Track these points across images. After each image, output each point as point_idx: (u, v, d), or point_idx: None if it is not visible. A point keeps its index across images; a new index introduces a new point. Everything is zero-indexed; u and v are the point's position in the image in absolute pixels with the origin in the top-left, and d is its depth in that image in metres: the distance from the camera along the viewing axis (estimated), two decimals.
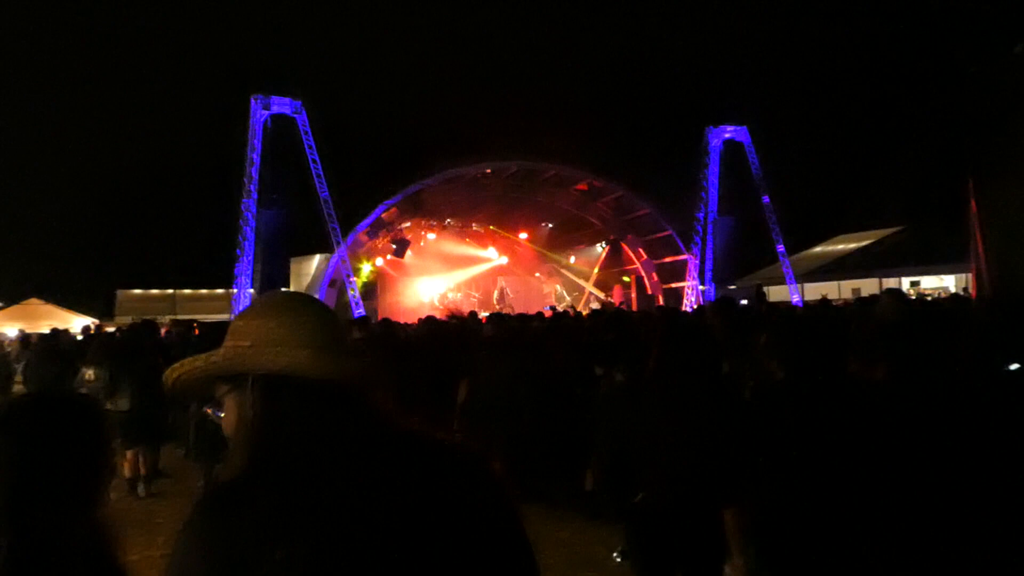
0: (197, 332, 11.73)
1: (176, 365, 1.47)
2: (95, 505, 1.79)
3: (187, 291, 37.52)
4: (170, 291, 37.35)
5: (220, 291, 33.47)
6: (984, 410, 2.92)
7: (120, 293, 35.78)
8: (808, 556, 2.85)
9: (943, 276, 31.83)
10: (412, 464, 1.35)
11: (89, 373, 9.29)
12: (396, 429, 1.41)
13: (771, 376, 3.31)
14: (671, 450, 3.26)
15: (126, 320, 21.51)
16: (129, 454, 8.72)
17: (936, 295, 24.33)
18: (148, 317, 12.27)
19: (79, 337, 15.47)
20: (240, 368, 1.40)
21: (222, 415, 1.48)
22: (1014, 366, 3.15)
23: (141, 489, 8.72)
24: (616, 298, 33.88)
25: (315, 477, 1.27)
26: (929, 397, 2.98)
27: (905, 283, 32.33)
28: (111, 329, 18.04)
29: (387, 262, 33.12)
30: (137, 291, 36.81)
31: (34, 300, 32.63)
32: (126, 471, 8.72)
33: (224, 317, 27.06)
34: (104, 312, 31.89)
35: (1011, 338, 3.29)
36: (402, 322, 17.91)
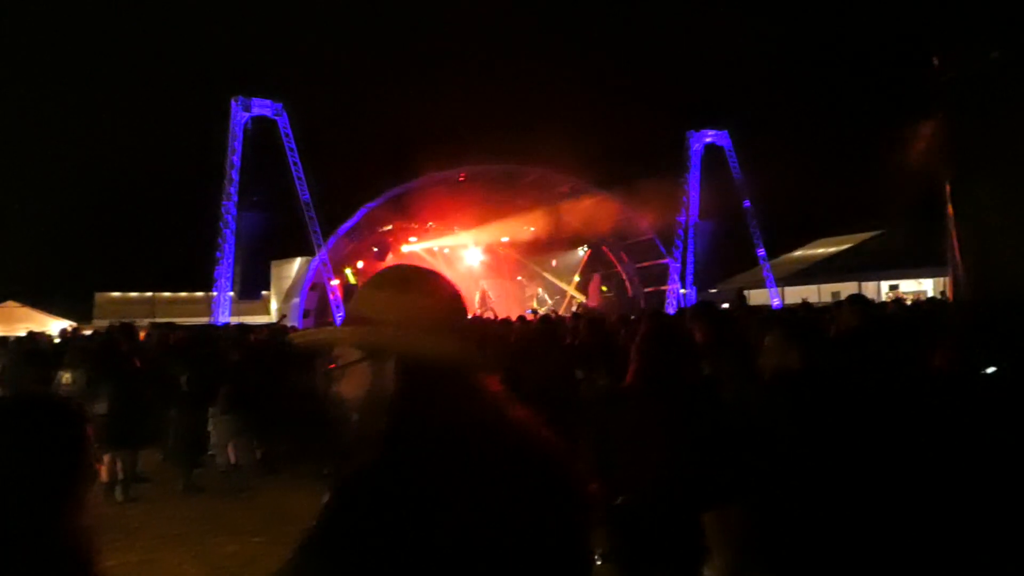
0: (172, 340, 11.61)
1: (316, 333, 1.58)
2: (76, 510, 1.74)
3: (166, 294, 37.25)
4: (149, 294, 37.06)
5: (200, 294, 33.28)
6: (960, 412, 2.94)
7: (98, 296, 35.45)
8: (793, 556, 2.86)
9: (921, 280, 32.14)
10: (525, 457, 1.43)
11: (67, 376, 9.22)
12: (514, 418, 1.49)
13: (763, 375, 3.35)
14: (652, 453, 3.27)
15: (104, 323, 21.30)
16: (106, 458, 8.64)
17: (915, 299, 24.52)
18: (126, 320, 12.16)
19: (56, 340, 15.33)
20: (388, 347, 1.46)
21: (337, 370, 1.52)
22: (991, 369, 3.17)
23: (119, 493, 8.65)
24: (592, 299, 33.93)
25: (453, 460, 1.34)
26: (896, 399, 3.01)
27: (884, 287, 32.62)
28: (88, 332, 17.86)
29: (368, 265, 33.02)
30: (116, 294, 36.49)
31: (11, 303, 32.30)
32: (103, 475, 8.65)
33: (204, 320, 26.90)
34: (82, 315, 31.56)
35: (988, 341, 3.32)
36: None
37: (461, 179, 31.46)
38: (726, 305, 17.08)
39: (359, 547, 1.29)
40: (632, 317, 11.94)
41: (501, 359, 7.44)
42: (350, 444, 1.49)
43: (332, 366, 1.53)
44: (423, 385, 1.43)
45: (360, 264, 32.42)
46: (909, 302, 18.42)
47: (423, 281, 1.55)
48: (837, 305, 9.24)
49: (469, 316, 1.62)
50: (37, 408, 1.82)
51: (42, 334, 16.19)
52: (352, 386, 1.49)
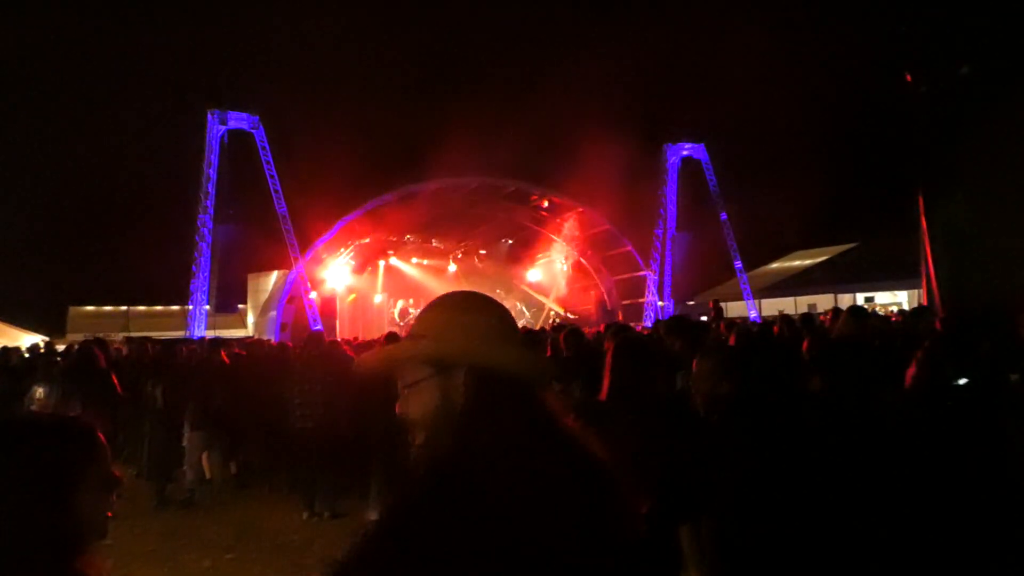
0: (148, 354, 11.53)
1: (388, 348, 1.57)
2: (91, 528, 1.63)
3: (141, 308, 36.86)
4: (124, 308, 36.65)
5: (175, 308, 32.96)
6: (931, 423, 2.96)
7: (72, 310, 35.04)
8: (765, 568, 2.86)
9: (896, 292, 32.44)
10: (585, 471, 1.46)
11: (39, 391, 9.09)
12: (566, 428, 1.52)
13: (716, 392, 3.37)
14: (623, 467, 3.26)
15: (78, 337, 21.05)
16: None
17: (889, 310, 24.75)
18: (100, 334, 12.03)
19: (26, 355, 15.11)
20: (455, 359, 1.48)
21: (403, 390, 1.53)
22: (962, 380, 3.19)
23: None
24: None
25: (517, 466, 1.36)
26: (865, 414, 3.03)
27: (860, 299, 32.86)
28: (61, 347, 17.63)
29: (346, 278, 32.90)
30: (89, 308, 36.05)
31: None
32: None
33: (179, 334, 26.67)
34: (55, 329, 31.18)
35: (959, 352, 3.34)
36: (351, 339, 17.82)
37: (447, 188, 31.45)
38: (705, 317, 17.16)
39: (428, 555, 1.28)
40: (599, 329, 11.95)
41: None
42: (415, 462, 1.49)
43: (402, 387, 1.54)
44: (494, 395, 1.45)
45: (338, 276, 32.26)
46: (893, 311, 18.57)
47: (481, 302, 1.60)
48: (835, 314, 9.30)
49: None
50: (44, 426, 1.71)
51: (16, 349, 15.97)
52: (418, 404, 1.50)
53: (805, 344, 4.39)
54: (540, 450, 1.41)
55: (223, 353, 10.05)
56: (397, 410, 1.53)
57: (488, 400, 1.44)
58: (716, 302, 16.51)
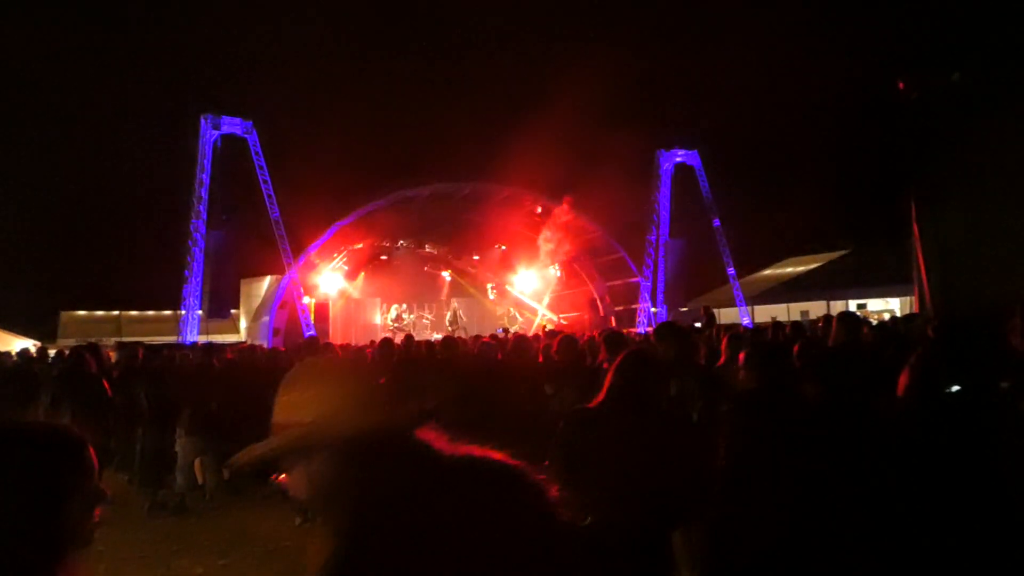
0: (140, 359, 11.47)
1: (251, 451, 1.58)
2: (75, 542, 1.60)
3: (133, 312, 36.78)
4: (115, 313, 36.57)
5: (168, 313, 32.90)
6: (923, 430, 2.97)
7: (64, 314, 34.95)
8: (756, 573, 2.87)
9: (889, 299, 32.53)
10: (476, 491, 1.48)
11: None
12: (455, 458, 1.54)
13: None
14: (618, 474, 3.27)
15: (69, 342, 20.98)
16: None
17: (881, 317, 24.80)
18: (92, 339, 11.99)
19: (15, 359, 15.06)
20: (309, 443, 1.51)
21: (284, 479, 1.60)
22: (955, 388, 3.20)
23: None
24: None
25: (413, 522, 1.39)
26: (859, 420, 3.04)
27: (852, 305, 32.95)
28: (52, 351, 17.56)
29: (339, 283, 32.86)
30: (81, 312, 35.98)
31: None
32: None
33: (171, 339, 26.60)
34: (46, 334, 31.09)
35: (952, 359, 3.34)
36: (352, 344, 17.80)
37: (440, 194, 31.45)
38: (699, 324, 17.18)
39: None
40: (594, 335, 11.95)
41: (471, 377, 7.45)
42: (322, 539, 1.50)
43: (275, 478, 1.60)
44: (357, 468, 1.47)
45: (331, 282, 32.19)
46: (886, 317, 18.60)
47: (321, 372, 1.62)
48: (827, 321, 9.32)
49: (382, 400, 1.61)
50: (32, 435, 1.64)
51: (7, 354, 15.93)
52: (298, 487, 1.56)
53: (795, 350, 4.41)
54: (425, 495, 1.43)
55: (215, 359, 10.02)
56: (290, 495, 1.59)
57: (352, 474, 1.47)
58: (707, 308, 16.51)
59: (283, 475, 1.58)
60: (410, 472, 1.46)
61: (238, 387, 9.63)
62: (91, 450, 1.71)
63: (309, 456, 1.51)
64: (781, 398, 3.25)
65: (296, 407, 1.55)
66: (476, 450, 1.58)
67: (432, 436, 1.57)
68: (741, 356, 3.61)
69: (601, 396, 3.55)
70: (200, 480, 9.45)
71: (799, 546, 2.79)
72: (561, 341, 7.57)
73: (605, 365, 4.35)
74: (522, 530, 1.46)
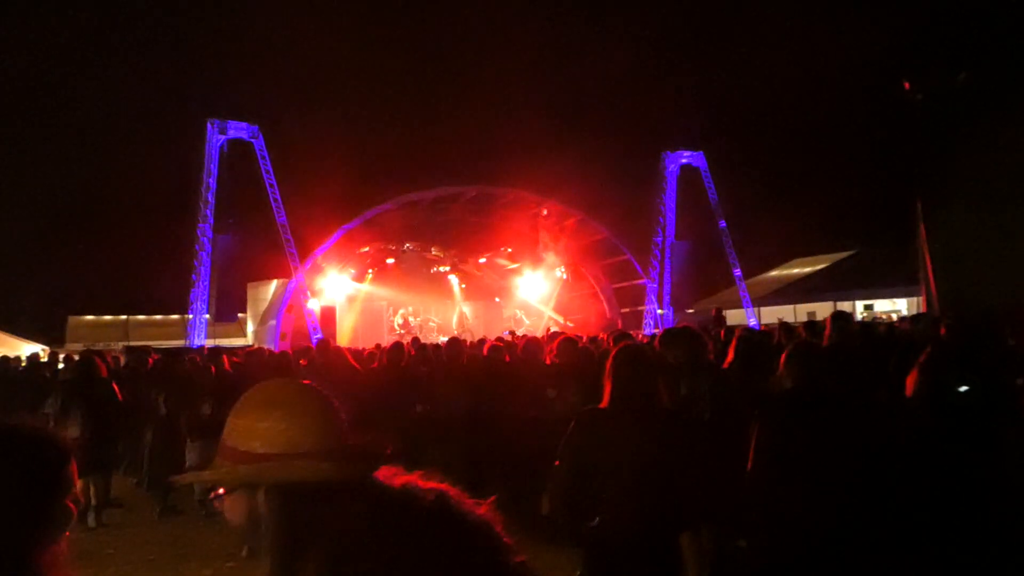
0: (152, 361, 11.52)
1: (198, 475, 1.57)
2: (45, 554, 1.57)
3: (140, 317, 36.84)
4: (123, 317, 36.63)
5: (175, 317, 32.94)
6: (932, 430, 2.97)
7: (71, 319, 35.01)
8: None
9: (896, 299, 32.44)
10: (428, 537, 1.40)
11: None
12: (410, 504, 1.44)
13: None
14: (627, 475, 3.27)
15: (77, 347, 21.03)
16: (79, 483, 8.50)
17: (889, 318, 24.73)
18: (100, 344, 12.02)
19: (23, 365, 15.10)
20: (259, 481, 1.46)
21: (223, 502, 1.54)
22: (963, 388, 3.20)
23: (91, 519, 8.52)
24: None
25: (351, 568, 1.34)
26: (870, 422, 3.04)
27: (859, 306, 32.89)
28: (62, 355, 17.60)
29: (346, 287, 32.90)
30: (89, 317, 36.04)
31: None
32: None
33: (179, 343, 26.64)
34: (54, 339, 31.16)
35: (959, 359, 3.34)
36: (360, 348, 17.82)
37: (445, 197, 31.49)
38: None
39: None
40: (600, 336, 11.94)
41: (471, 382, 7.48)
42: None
43: (213, 495, 1.54)
44: (296, 510, 1.42)
45: (338, 286, 32.23)
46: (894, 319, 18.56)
47: (282, 401, 1.54)
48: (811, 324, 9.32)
49: (338, 429, 1.56)
50: (11, 440, 1.64)
51: (16, 358, 15.97)
52: (233, 513, 1.51)
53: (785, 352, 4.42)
54: (363, 542, 1.37)
55: (224, 360, 10.03)
56: (226, 517, 1.53)
57: (290, 515, 1.42)
58: (719, 310, 16.52)
59: (222, 495, 1.52)
60: (355, 523, 1.39)
61: (238, 390, 9.63)
62: (72, 464, 1.69)
63: (251, 490, 1.47)
64: (819, 399, 3.26)
65: (248, 434, 1.49)
66: (428, 484, 1.49)
67: (387, 476, 1.50)
68: (782, 357, 3.62)
69: (606, 397, 3.55)
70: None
71: (836, 545, 2.80)
72: (560, 343, 7.57)
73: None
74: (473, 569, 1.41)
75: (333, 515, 1.40)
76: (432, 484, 1.49)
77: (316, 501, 1.41)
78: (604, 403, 3.55)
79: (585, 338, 11.85)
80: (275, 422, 1.48)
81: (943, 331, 6.84)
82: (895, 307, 32.22)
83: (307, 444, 1.47)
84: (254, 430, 1.49)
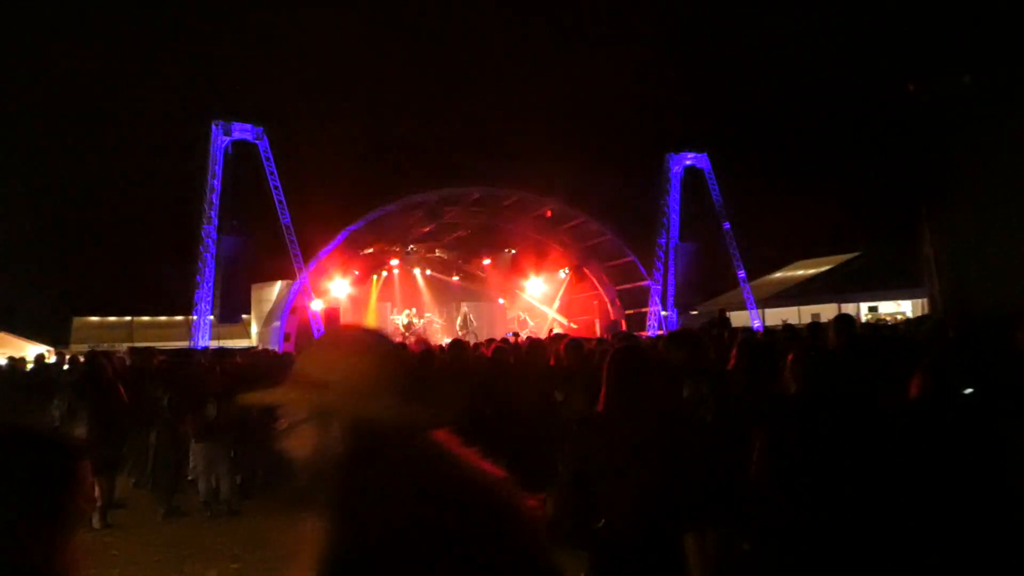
0: (157, 362, 11.55)
1: (265, 395, 1.60)
2: (58, 553, 1.58)
3: (145, 318, 36.90)
4: (128, 318, 36.69)
5: (179, 318, 32.99)
6: (937, 432, 2.97)
7: (76, 320, 35.08)
8: None
9: (900, 301, 32.40)
10: (472, 505, 1.45)
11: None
12: (459, 467, 1.52)
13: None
14: (631, 477, 3.27)
15: (82, 348, 21.06)
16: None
17: (894, 320, 24.71)
18: (104, 345, 12.05)
19: (30, 366, 15.13)
20: (334, 411, 1.49)
21: (289, 432, 1.55)
22: (968, 390, 3.20)
23: (96, 520, 8.54)
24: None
25: (400, 519, 1.38)
26: (875, 425, 3.04)
27: (863, 308, 32.84)
28: (67, 356, 17.61)
29: (350, 288, 32.90)
30: (94, 318, 36.10)
31: None
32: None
33: (183, 344, 26.69)
34: (59, 340, 31.20)
35: (964, 362, 3.35)
36: None
37: (449, 198, 31.49)
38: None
39: None
40: (603, 338, 11.92)
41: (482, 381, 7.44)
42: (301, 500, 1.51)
43: (280, 424, 1.56)
44: (368, 448, 1.45)
45: (342, 287, 32.24)
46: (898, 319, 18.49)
47: (367, 343, 1.59)
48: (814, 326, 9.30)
49: (411, 373, 1.62)
50: (25, 441, 1.65)
51: (21, 359, 15.99)
52: (298, 444, 1.53)
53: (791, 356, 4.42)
54: (419, 495, 1.41)
55: (217, 365, 10.05)
56: (277, 445, 1.55)
57: (362, 451, 1.45)
58: (723, 311, 16.48)
59: (287, 426, 1.54)
60: (419, 471, 1.44)
61: (249, 391, 9.64)
62: (86, 464, 1.70)
63: (325, 420, 1.49)
64: (825, 403, 3.26)
65: (332, 367, 1.53)
66: (487, 466, 1.56)
67: (447, 440, 1.56)
68: (788, 360, 3.61)
69: (602, 400, 3.54)
70: (215, 484, 9.48)
71: (841, 548, 2.80)
72: (567, 345, 7.56)
73: None
74: (511, 561, 1.44)
75: (400, 459, 1.45)
76: (491, 465, 1.56)
77: (387, 442, 1.46)
78: (601, 406, 3.54)
79: (594, 341, 11.85)
80: (360, 360, 1.53)
81: (951, 333, 6.82)
82: (899, 309, 32.18)
83: (388, 385, 1.52)
84: (338, 364, 1.53)
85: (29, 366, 14.99)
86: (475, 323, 34.62)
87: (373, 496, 1.40)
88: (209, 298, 27.74)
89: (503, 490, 1.53)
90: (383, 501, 1.39)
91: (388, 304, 34.77)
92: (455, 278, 36.84)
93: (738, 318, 31.30)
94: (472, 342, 14.65)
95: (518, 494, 1.55)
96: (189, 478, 9.75)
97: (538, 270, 36.32)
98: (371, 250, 33.15)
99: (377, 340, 1.61)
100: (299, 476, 1.52)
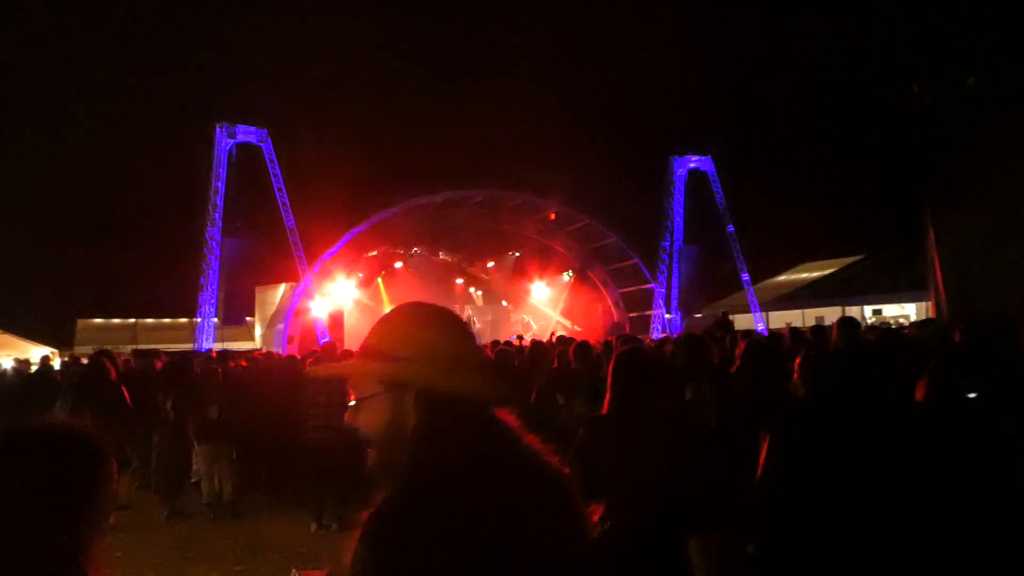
0: (160, 365, 11.56)
1: (333, 367, 1.66)
2: (87, 551, 1.58)
3: (149, 320, 36.89)
4: (131, 320, 36.69)
5: (183, 320, 33.01)
6: (943, 436, 2.96)
7: (80, 322, 35.09)
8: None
9: (904, 304, 32.33)
10: (536, 486, 1.49)
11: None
12: (526, 450, 1.55)
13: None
14: (634, 480, 3.26)
15: (86, 350, 21.08)
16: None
17: (898, 323, 24.65)
18: (108, 347, 12.06)
19: (34, 367, 15.16)
20: (410, 382, 1.49)
21: (357, 407, 1.54)
22: (972, 395, 3.18)
23: None
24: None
25: (472, 492, 1.39)
26: (880, 430, 3.03)
27: (867, 311, 32.78)
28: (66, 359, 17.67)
29: (354, 291, 32.91)
30: (97, 320, 36.10)
31: None
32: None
33: (187, 346, 26.70)
34: (63, 342, 31.22)
35: (969, 366, 3.33)
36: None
37: (454, 200, 31.51)
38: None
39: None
40: (607, 341, 11.88)
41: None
42: (370, 476, 1.51)
43: (350, 398, 1.55)
44: (444, 419, 1.46)
45: (345, 290, 32.25)
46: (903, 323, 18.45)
47: (439, 318, 1.59)
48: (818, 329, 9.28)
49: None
50: (53, 440, 1.66)
51: (26, 361, 16.04)
52: (370, 419, 1.52)
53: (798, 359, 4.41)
54: (490, 470, 1.43)
55: (231, 364, 10.06)
56: (346, 419, 1.54)
57: (437, 423, 1.45)
58: (726, 314, 16.47)
59: (360, 400, 1.53)
60: (477, 445, 1.46)
61: (252, 394, 9.66)
62: (112, 463, 1.71)
63: (398, 394, 1.49)
64: (832, 407, 3.25)
65: (407, 341, 1.53)
66: (545, 451, 1.59)
67: (510, 420, 1.58)
68: (796, 364, 3.61)
69: (607, 402, 3.54)
70: (218, 486, 9.49)
71: (847, 551, 2.79)
72: (577, 348, 7.54)
73: None
74: (563, 546, 1.47)
75: (475, 432, 1.47)
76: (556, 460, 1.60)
77: (461, 414, 1.47)
78: (605, 409, 3.55)
79: (599, 345, 11.84)
80: (437, 333, 1.54)
81: (957, 336, 6.80)
82: (904, 312, 32.11)
83: (463, 358, 1.53)
84: (412, 339, 1.53)
85: (34, 368, 15.03)
86: (479, 326, 34.62)
87: (448, 468, 1.41)
88: (213, 300, 27.76)
89: (567, 482, 1.57)
90: (457, 473, 1.41)
91: (392, 307, 34.69)
92: (459, 281, 36.84)
93: (742, 321, 31.30)
94: None
95: (578, 490, 1.59)
96: (192, 480, 9.75)
97: (542, 273, 36.32)
98: (375, 253, 33.18)
99: (451, 315, 1.62)
100: (367, 452, 1.52)
